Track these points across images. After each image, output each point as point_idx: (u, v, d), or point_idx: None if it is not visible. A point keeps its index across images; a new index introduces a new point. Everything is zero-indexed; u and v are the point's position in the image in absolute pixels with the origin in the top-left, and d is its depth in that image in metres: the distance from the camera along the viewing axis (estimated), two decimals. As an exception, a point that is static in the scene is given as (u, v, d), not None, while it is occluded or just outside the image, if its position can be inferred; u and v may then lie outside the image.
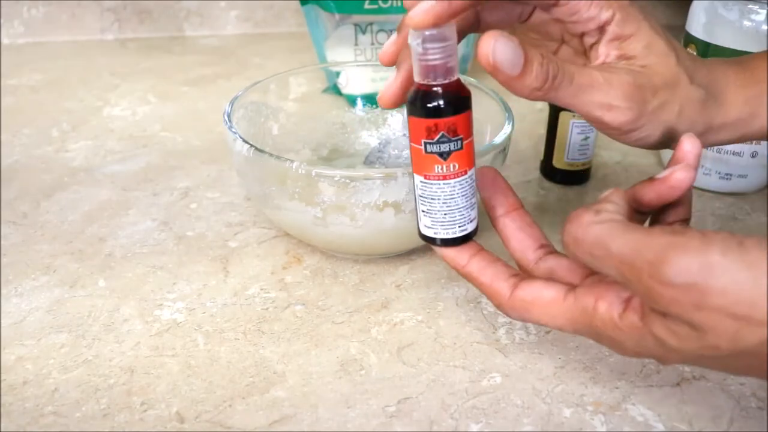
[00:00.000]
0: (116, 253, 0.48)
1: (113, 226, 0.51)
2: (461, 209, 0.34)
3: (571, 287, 0.32)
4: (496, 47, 0.30)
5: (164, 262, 0.47)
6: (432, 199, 0.34)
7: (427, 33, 0.31)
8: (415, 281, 0.46)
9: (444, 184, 0.34)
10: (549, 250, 0.36)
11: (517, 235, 0.36)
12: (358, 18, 0.66)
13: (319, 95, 0.58)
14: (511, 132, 0.45)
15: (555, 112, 0.55)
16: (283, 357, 0.40)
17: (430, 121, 0.32)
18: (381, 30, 0.66)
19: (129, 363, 0.39)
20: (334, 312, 0.43)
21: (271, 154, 0.42)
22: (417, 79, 0.32)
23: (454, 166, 0.33)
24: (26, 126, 0.66)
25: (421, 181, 0.34)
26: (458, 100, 0.32)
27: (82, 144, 0.63)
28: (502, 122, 0.46)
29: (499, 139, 0.44)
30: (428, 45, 0.31)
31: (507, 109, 0.47)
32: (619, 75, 0.33)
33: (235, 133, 0.44)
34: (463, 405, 0.37)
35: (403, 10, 0.66)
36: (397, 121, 0.57)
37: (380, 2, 0.65)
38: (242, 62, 0.83)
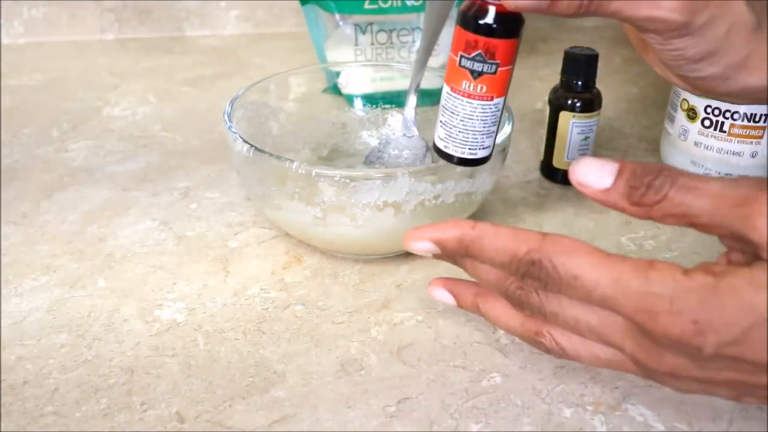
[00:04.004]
0: (116, 253, 0.48)
1: (113, 226, 0.51)
2: (476, 132, 0.34)
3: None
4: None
5: (164, 262, 0.47)
6: (452, 112, 0.34)
7: None
8: (415, 281, 0.46)
9: (467, 102, 0.33)
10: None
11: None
12: (358, 18, 0.66)
13: (319, 95, 0.58)
14: (511, 132, 0.45)
15: (555, 112, 0.55)
16: (283, 357, 0.40)
17: (471, 36, 0.32)
18: (381, 30, 0.66)
19: (129, 363, 0.39)
20: (334, 312, 0.43)
21: (271, 154, 0.42)
22: None
23: (481, 88, 0.33)
24: (26, 126, 0.66)
25: (447, 92, 0.34)
26: (508, 25, 0.32)
27: (82, 144, 0.63)
28: (502, 122, 0.46)
29: (499, 139, 0.44)
30: None
31: (507, 109, 0.47)
32: None
33: (235, 133, 0.44)
34: (463, 405, 0.37)
35: (403, 10, 0.66)
36: (397, 121, 0.57)
37: (380, 2, 0.65)
38: (242, 62, 0.83)
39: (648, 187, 0.29)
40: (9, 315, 0.43)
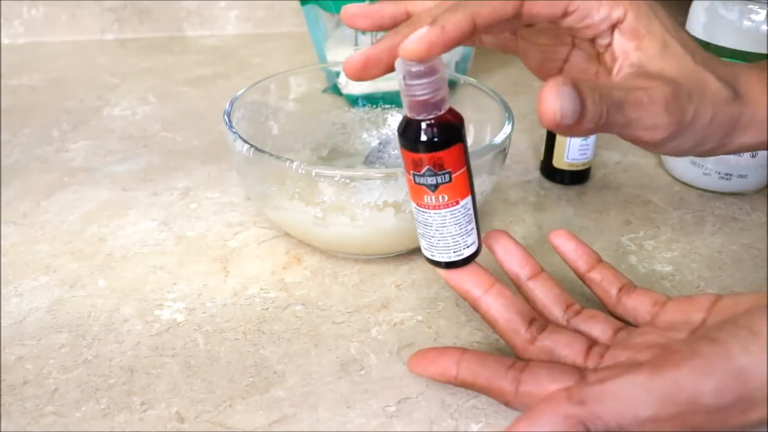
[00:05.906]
0: (116, 253, 0.48)
1: (113, 226, 0.51)
2: (455, 236, 0.34)
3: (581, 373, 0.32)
4: (563, 106, 0.27)
5: (164, 262, 0.47)
6: (425, 225, 0.34)
7: (413, 69, 0.29)
8: (415, 281, 0.46)
9: (435, 213, 0.34)
10: (541, 325, 0.36)
11: (504, 315, 0.36)
12: (358, 18, 0.66)
13: (319, 95, 0.58)
14: (511, 132, 0.45)
15: (555, 112, 0.55)
16: (283, 357, 0.40)
17: (416, 156, 0.32)
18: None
19: (129, 363, 0.39)
20: (334, 312, 0.43)
21: (271, 154, 0.42)
22: (405, 111, 0.31)
23: (443, 198, 0.33)
24: (26, 126, 0.66)
25: (415, 207, 0.34)
26: (446, 135, 0.31)
27: (82, 144, 0.63)
28: (502, 122, 0.46)
29: (499, 139, 0.44)
30: (414, 81, 0.29)
31: (507, 109, 0.47)
32: (655, 89, 0.32)
33: (235, 133, 0.44)
34: (463, 405, 0.37)
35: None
36: (397, 121, 0.57)
37: (380, 2, 0.65)
38: (242, 62, 0.83)
39: None
40: (9, 315, 0.43)
